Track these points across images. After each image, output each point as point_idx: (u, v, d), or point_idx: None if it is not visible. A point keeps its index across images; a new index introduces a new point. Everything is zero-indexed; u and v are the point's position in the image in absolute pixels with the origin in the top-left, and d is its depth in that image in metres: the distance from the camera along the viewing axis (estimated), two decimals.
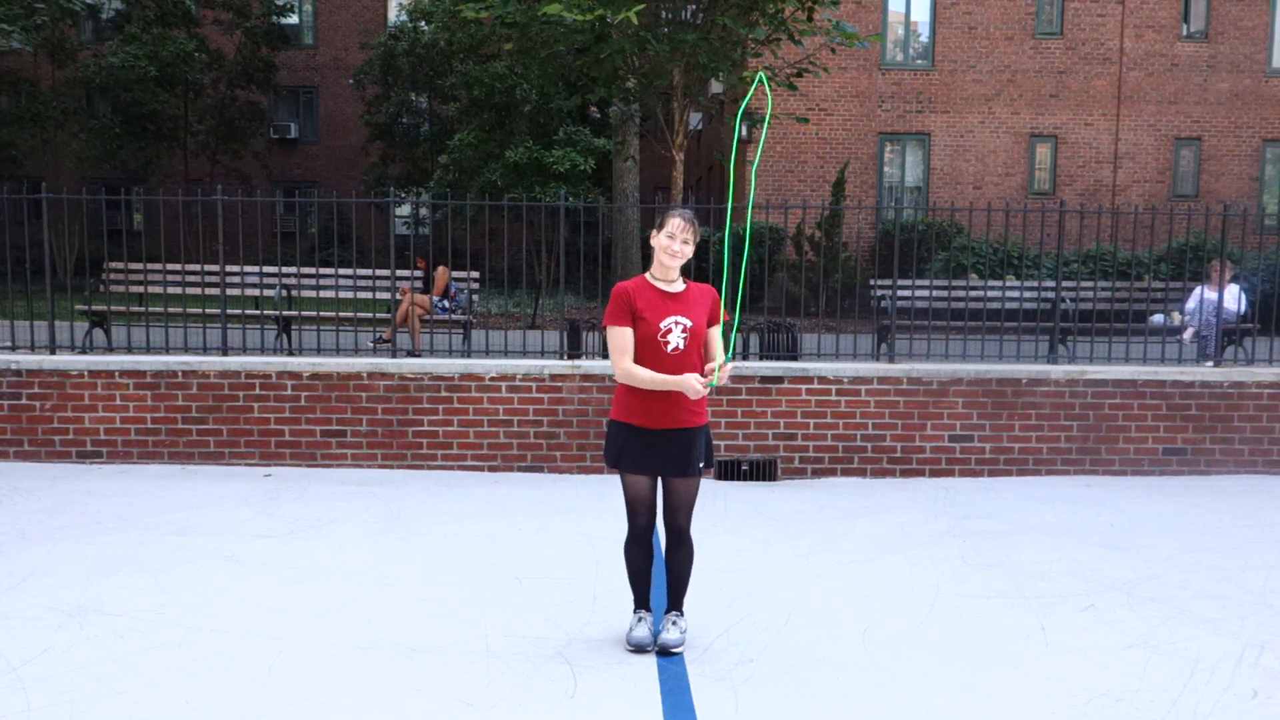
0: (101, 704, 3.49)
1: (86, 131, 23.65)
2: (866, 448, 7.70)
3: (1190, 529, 6.20)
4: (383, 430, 7.57)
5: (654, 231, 3.93)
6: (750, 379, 7.64)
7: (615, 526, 5.86)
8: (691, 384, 3.71)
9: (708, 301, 3.96)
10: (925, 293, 9.70)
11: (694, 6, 10.21)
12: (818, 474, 7.70)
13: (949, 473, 7.75)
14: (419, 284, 9.91)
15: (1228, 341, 9.09)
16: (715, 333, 3.97)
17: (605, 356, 8.17)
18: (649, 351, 3.85)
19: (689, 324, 3.85)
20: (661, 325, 3.84)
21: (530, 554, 5.47)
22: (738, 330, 8.46)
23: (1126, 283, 9.93)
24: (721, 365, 3.75)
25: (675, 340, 3.84)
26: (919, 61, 19.52)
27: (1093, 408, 7.78)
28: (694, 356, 3.87)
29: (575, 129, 18.54)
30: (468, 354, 8.18)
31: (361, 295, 9.33)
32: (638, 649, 4.05)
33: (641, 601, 4.16)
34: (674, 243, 3.85)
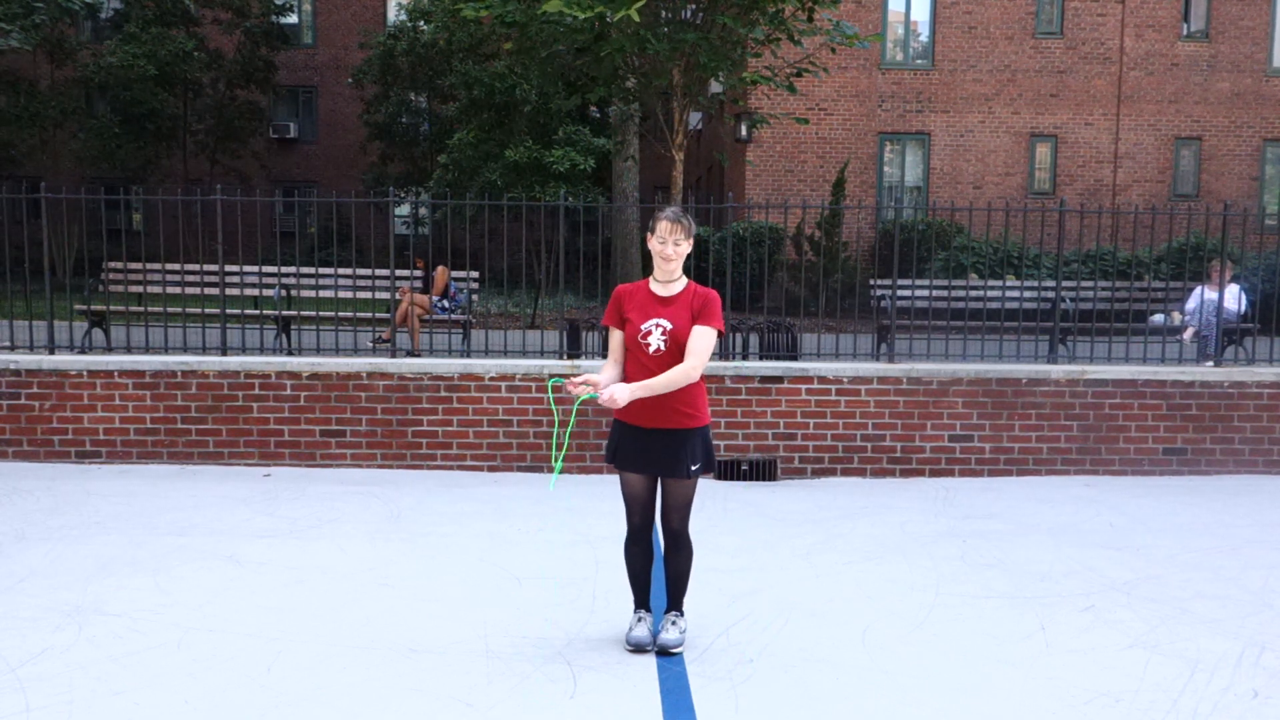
0: (100, 704, 3.49)
1: (85, 131, 23.64)
2: (866, 448, 7.70)
3: (1190, 529, 6.20)
4: (382, 430, 7.56)
5: (648, 234, 3.94)
6: (750, 379, 7.64)
7: (615, 527, 5.86)
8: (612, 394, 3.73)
9: (696, 304, 3.89)
10: (925, 293, 9.70)
11: (694, 6, 10.21)
12: (818, 474, 7.70)
13: (949, 473, 7.74)
14: (418, 284, 9.90)
15: (1228, 341, 9.09)
16: (695, 332, 3.84)
17: (604, 356, 8.16)
18: (634, 352, 3.90)
19: (669, 326, 3.85)
20: (643, 327, 3.87)
21: (530, 554, 5.46)
22: (737, 331, 8.47)
23: (1126, 283, 9.93)
24: (587, 382, 3.76)
25: (655, 342, 3.85)
26: (919, 61, 19.52)
27: (1093, 408, 7.77)
28: (677, 359, 3.85)
29: (575, 129, 18.53)
30: (467, 354, 8.17)
31: (361, 295, 9.32)
32: (637, 649, 4.05)
33: (641, 601, 4.16)
34: (666, 246, 3.86)
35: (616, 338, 3.97)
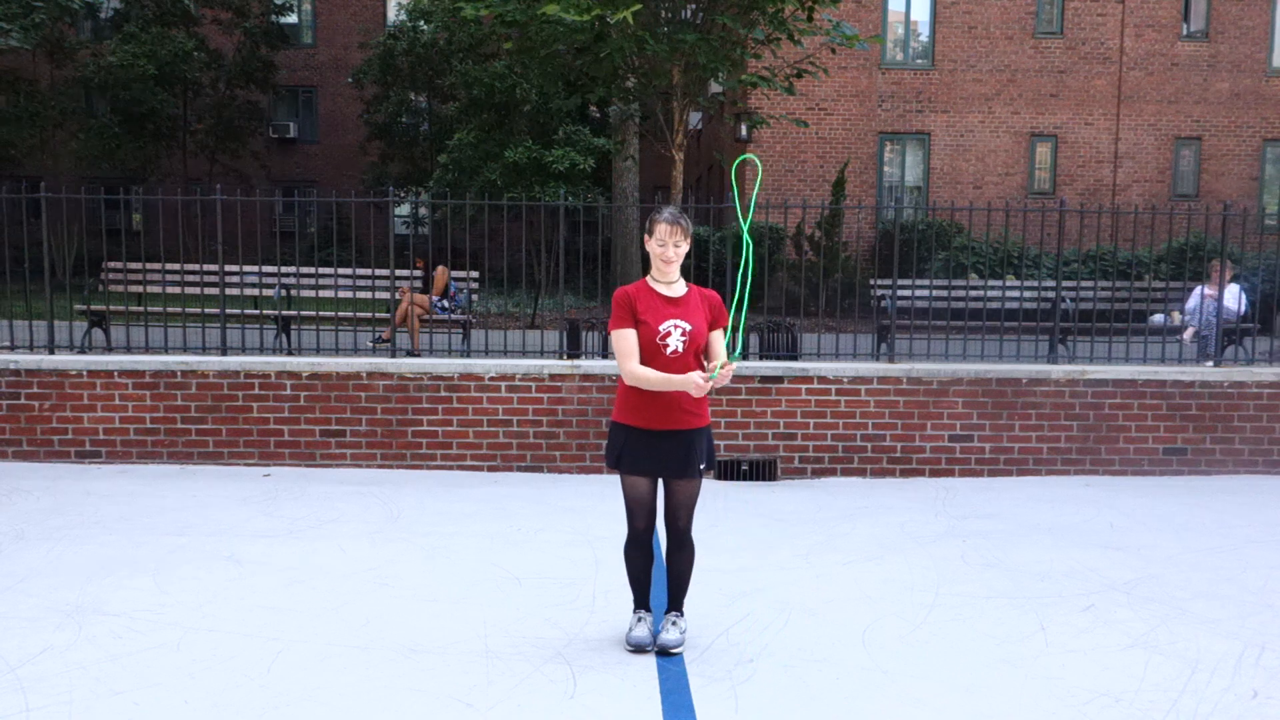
0: (100, 704, 3.49)
1: (85, 131, 23.63)
2: (866, 448, 7.69)
3: (1190, 529, 6.20)
4: (382, 430, 7.56)
5: (646, 236, 3.94)
6: (750, 379, 7.64)
7: (615, 527, 5.86)
8: (695, 380, 3.73)
9: (708, 306, 3.97)
10: (925, 293, 9.70)
11: (693, 6, 10.21)
12: (818, 474, 7.70)
13: (949, 473, 7.74)
14: (418, 284, 9.91)
15: (1228, 341, 9.09)
16: (716, 336, 3.98)
17: (605, 356, 8.16)
18: (649, 354, 3.87)
19: (688, 328, 3.87)
20: (661, 329, 3.85)
21: (530, 554, 5.46)
22: (740, 330, 8.46)
23: (1126, 283, 9.93)
24: (724, 364, 3.76)
25: (674, 344, 3.85)
26: (919, 61, 19.52)
27: (1093, 408, 7.77)
28: (691, 360, 3.89)
29: (575, 129, 18.53)
30: (467, 354, 8.17)
31: (361, 295, 9.32)
32: (637, 649, 4.05)
33: (641, 602, 4.16)
34: (666, 249, 3.86)
35: (633, 338, 3.87)
